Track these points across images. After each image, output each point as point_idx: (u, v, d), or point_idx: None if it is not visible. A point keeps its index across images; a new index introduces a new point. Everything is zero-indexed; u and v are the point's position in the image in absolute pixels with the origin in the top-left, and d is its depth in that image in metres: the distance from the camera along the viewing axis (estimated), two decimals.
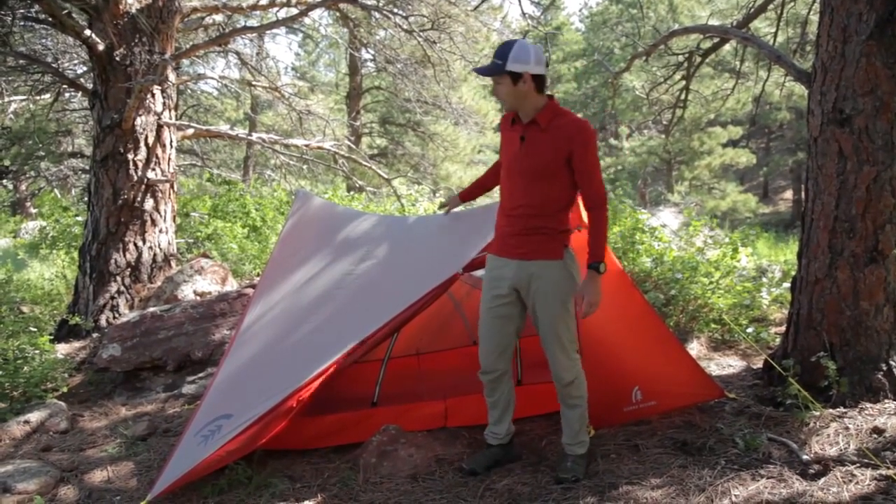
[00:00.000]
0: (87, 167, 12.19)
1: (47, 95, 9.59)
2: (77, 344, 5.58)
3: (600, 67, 29.56)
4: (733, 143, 25.01)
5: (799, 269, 3.98)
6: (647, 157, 25.06)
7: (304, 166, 9.42)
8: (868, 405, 3.49)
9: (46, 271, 8.90)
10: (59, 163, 13.20)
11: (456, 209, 3.73)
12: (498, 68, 2.84)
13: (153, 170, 6.06)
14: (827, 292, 3.71)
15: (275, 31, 9.73)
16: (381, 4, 7.78)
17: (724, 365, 4.84)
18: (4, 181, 15.69)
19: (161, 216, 6.16)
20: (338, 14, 8.47)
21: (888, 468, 2.85)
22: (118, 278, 5.89)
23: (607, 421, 3.56)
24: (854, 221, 3.58)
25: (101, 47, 5.78)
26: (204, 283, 5.98)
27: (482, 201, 5.56)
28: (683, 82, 7.10)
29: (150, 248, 6.07)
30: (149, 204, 6.05)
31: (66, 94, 10.44)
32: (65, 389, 4.75)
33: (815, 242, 3.78)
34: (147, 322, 5.10)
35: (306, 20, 9.86)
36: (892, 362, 3.62)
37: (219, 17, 7.91)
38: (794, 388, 3.50)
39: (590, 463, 3.17)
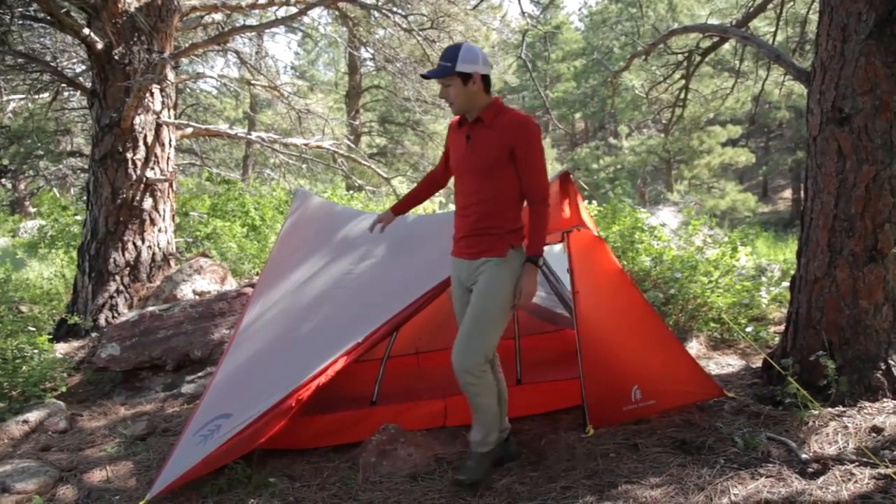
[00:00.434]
0: (86, 166, 12.18)
1: (46, 94, 9.58)
2: (76, 343, 5.58)
3: (599, 66, 29.56)
4: (732, 143, 25.01)
5: (798, 268, 3.98)
6: (646, 156, 25.06)
7: (304, 165, 9.41)
8: (867, 404, 3.49)
9: (45, 270, 8.89)
10: (58, 162, 13.18)
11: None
12: (448, 70, 2.85)
13: (152, 169, 6.05)
14: (826, 291, 3.71)
15: (274, 29, 9.72)
16: (380, 3, 7.77)
17: (724, 364, 4.85)
18: (3, 180, 15.67)
19: (160, 215, 6.16)
20: (337, 13, 8.46)
21: (887, 467, 2.85)
22: (117, 277, 5.89)
23: (606, 420, 3.56)
24: (853, 220, 3.58)
25: (99, 46, 5.77)
26: (203, 282, 5.98)
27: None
28: (683, 81, 7.10)
29: (149, 247, 6.07)
30: (148, 203, 6.04)
31: (65, 93, 10.43)
32: (64, 389, 4.74)
33: (815, 241, 3.78)
34: (146, 321, 5.10)
35: (305, 19, 9.85)
36: (891, 361, 3.62)
37: (218, 16, 7.90)
38: (794, 387, 3.50)
39: (492, 464, 3.11)
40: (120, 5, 5.81)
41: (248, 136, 7.53)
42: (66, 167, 13.54)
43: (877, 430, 3.22)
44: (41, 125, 11.49)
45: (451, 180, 3.23)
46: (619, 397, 3.58)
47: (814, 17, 5.51)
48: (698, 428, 3.51)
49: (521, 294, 2.91)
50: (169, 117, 6.29)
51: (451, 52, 2.86)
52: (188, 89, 12.86)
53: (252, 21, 9.47)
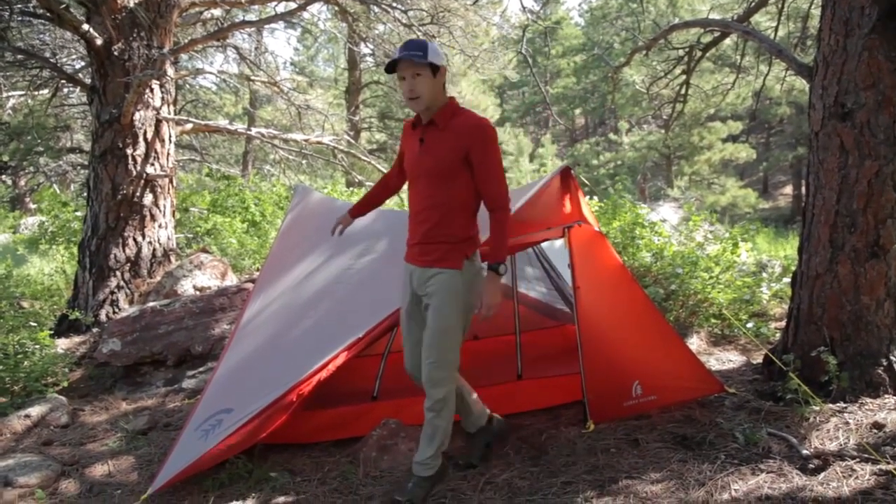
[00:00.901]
0: (86, 162, 12.17)
1: (46, 91, 9.55)
2: (77, 339, 5.58)
3: (600, 62, 29.52)
4: (733, 139, 24.98)
5: (799, 264, 3.98)
6: (646, 151, 25.02)
7: (304, 161, 9.39)
8: (868, 400, 3.49)
9: (46, 266, 8.89)
10: (58, 158, 13.16)
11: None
12: (421, 58, 2.69)
13: (152, 165, 6.05)
14: (828, 287, 3.71)
15: (273, 25, 9.67)
16: None
17: (724, 360, 4.85)
18: (4, 177, 15.67)
19: (160, 211, 6.15)
20: (336, 8, 8.42)
21: (888, 463, 2.86)
22: (118, 273, 5.89)
23: (607, 415, 3.56)
24: (855, 216, 3.58)
25: (99, 42, 5.76)
26: (203, 278, 5.98)
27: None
28: (684, 77, 7.09)
29: (150, 243, 6.07)
30: (148, 199, 6.04)
31: (65, 90, 10.40)
32: (65, 384, 4.75)
33: (816, 237, 3.77)
34: (147, 317, 5.10)
35: (305, 14, 9.81)
36: (892, 357, 3.62)
37: (217, 12, 7.87)
38: (795, 382, 3.50)
39: (433, 487, 2.93)
40: (119, 1, 5.79)
41: (248, 132, 7.52)
42: (66, 163, 13.53)
43: (878, 426, 3.22)
44: (41, 121, 11.48)
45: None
46: (620, 393, 3.59)
47: (816, 11, 5.50)
48: (699, 423, 3.51)
49: (486, 306, 2.79)
50: (169, 113, 6.28)
51: (419, 44, 2.72)
52: (188, 85, 12.84)
53: (251, 17, 9.44)
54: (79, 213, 8.93)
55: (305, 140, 7.68)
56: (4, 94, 9.63)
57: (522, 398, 3.84)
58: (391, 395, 3.87)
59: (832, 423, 3.30)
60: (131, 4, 5.84)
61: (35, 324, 5.24)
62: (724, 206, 22.00)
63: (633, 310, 3.67)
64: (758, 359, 4.64)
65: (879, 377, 3.58)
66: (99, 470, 3.43)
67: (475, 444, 3.28)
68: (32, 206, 17.41)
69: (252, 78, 8.40)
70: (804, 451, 3.06)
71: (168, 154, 6.24)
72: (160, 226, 6.16)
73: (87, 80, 6.55)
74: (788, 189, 30.63)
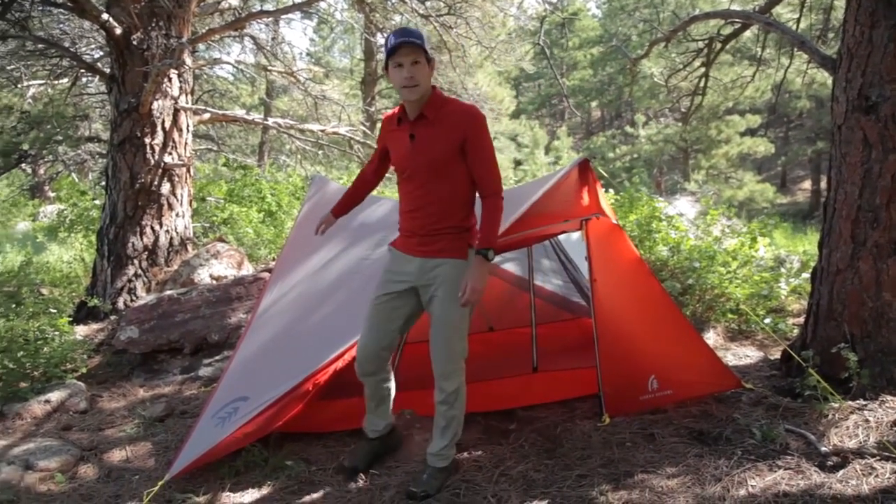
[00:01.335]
0: (104, 151, 12.26)
1: (65, 80, 9.64)
2: (95, 326, 5.64)
3: (617, 54, 29.27)
4: (751, 132, 24.72)
5: (820, 259, 3.92)
6: (663, 145, 24.83)
7: (320, 151, 9.41)
8: (889, 398, 3.44)
9: (65, 254, 9.00)
10: (77, 147, 13.28)
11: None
12: (422, 44, 2.62)
13: (170, 154, 6.08)
14: (848, 283, 3.66)
15: (290, 15, 9.68)
16: None
17: (741, 355, 4.81)
18: (23, 165, 15.84)
19: (177, 200, 6.19)
20: None
21: None
22: (135, 261, 5.94)
23: (623, 409, 3.55)
24: (878, 211, 3.52)
25: (118, 31, 5.79)
26: (220, 267, 6.02)
27: None
28: (703, 69, 7.00)
29: (167, 231, 6.11)
30: (165, 188, 6.07)
31: (84, 79, 10.49)
32: (84, 370, 4.80)
33: (838, 232, 3.72)
34: (164, 305, 5.14)
35: (321, 4, 9.80)
36: None
37: (234, 2, 7.90)
38: (814, 378, 3.46)
39: (448, 478, 2.95)
40: None
41: (265, 122, 7.54)
42: (84, 152, 13.64)
43: None
44: (60, 110, 11.58)
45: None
46: (636, 386, 3.57)
47: (839, 3, 5.41)
48: (715, 419, 3.49)
49: (472, 290, 2.70)
50: (186, 102, 6.30)
51: (415, 32, 2.66)
52: (204, 75, 12.90)
53: (269, 6, 9.46)
54: (97, 202, 9.02)
55: (322, 130, 7.69)
56: (25, 83, 9.73)
57: (538, 391, 3.83)
58: (407, 385, 3.86)
59: (851, 421, 3.26)
60: None
61: (54, 310, 5.29)
62: (742, 200, 21.79)
63: (649, 303, 3.64)
64: (775, 355, 4.60)
65: None
66: (117, 455, 3.47)
67: (367, 451, 3.17)
68: (51, 194, 17.59)
69: (269, 68, 8.41)
70: (823, 449, 3.02)
71: (185, 143, 6.27)
72: (177, 215, 6.20)
73: (106, 70, 6.60)
74: (807, 184, 30.26)
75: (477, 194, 2.85)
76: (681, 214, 7.19)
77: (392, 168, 3.08)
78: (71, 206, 9.18)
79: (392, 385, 3.14)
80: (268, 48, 9.29)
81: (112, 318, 5.69)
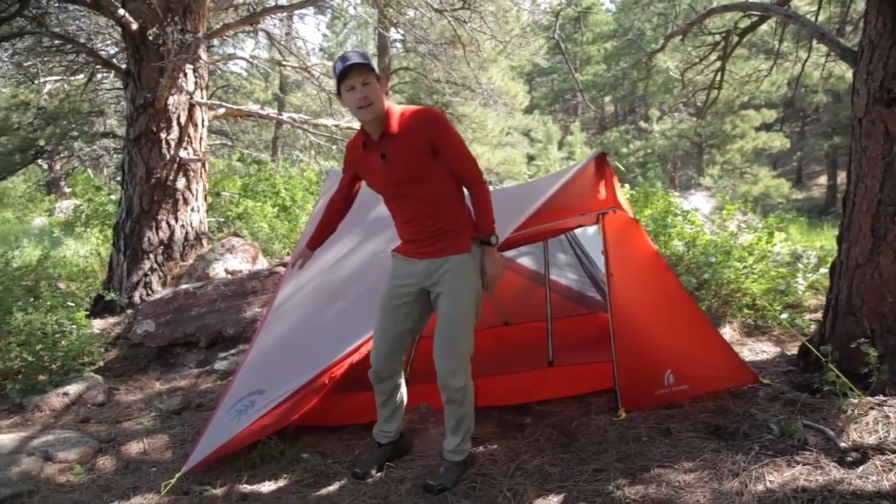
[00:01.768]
0: (119, 147, 12.37)
1: (81, 76, 9.73)
2: (112, 319, 5.69)
3: (631, 49, 29.05)
4: (767, 127, 24.45)
5: (839, 254, 3.88)
6: (677, 140, 24.62)
7: (333, 146, 9.43)
8: None
9: (81, 249, 9.08)
10: (92, 143, 13.41)
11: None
12: (368, 63, 2.67)
13: (185, 149, 6.11)
14: (868, 277, 3.61)
15: (303, 11, 9.69)
16: None
17: (758, 350, 4.77)
18: (40, 161, 16.01)
19: (193, 195, 6.23)
20: None
21: None
22: (151, 256, 5.98)
23: (639, 404, 3.53)
24: None
25: (134, 27, 5.82)
26: (235, 261, 6.05)
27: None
28: (719, 63, 6.93)
29: (183, 226, 6.15)
30: (181, 183, 6.11)
31: (99, 75, 10.57)
32: (101, 363, 4.85)
33: (857, 226, 3.67)
34: (180, 299, 5.18)
35: (335, 0, 9.83)
36: None
37: None
38: (833, 374, 3.42)
39: (464, 472, 2.96)
40: None
41: (280, 117, 7.56)
42: (99, 148, 13.78)
43: None
44: (76, 106, 11.69)
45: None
46: (652, 381, 3.55)
47: None
48: (732, 414, 3.46)
49: (490, 277, 2.83)
50: (201, 98, 6.33)
51: (361, 54, 2.71)
52: (218, 71, 12.96)
53: (283, 1, 9.46)
54: (112, 197, 9.10)
55: (336, 125, 7.70)
56: (42, 80, 9.82)
57: (553, 385, 3.82)
58: (421, 379, 3.86)
59: (871, 416, 3.22)
60: None
61: (72, 304, 5.35)
62: (757, 196, 21.56)
63: (666, 298, 3.61)
64: (792, 350, 4.55)
65: None
66: (134, 448, 3.51)
67: (378, 456, 3.14)
68: (67, 189, 17.77)
69: (283, 63, 8.43)
70: (842, 444, 2.99)
71: (201, 138, 6.31)
72: (192, 209, 6.24)
73: (122, 65, 6.64)
74: (823, 179, 29.91)
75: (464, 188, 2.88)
76: (696, 210, 7.13)
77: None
78: (87, 201, 9.27)
79: (405, 392, 3.14)
80: (282, 43, 9.32)
81: (128, 311, 5.74)
